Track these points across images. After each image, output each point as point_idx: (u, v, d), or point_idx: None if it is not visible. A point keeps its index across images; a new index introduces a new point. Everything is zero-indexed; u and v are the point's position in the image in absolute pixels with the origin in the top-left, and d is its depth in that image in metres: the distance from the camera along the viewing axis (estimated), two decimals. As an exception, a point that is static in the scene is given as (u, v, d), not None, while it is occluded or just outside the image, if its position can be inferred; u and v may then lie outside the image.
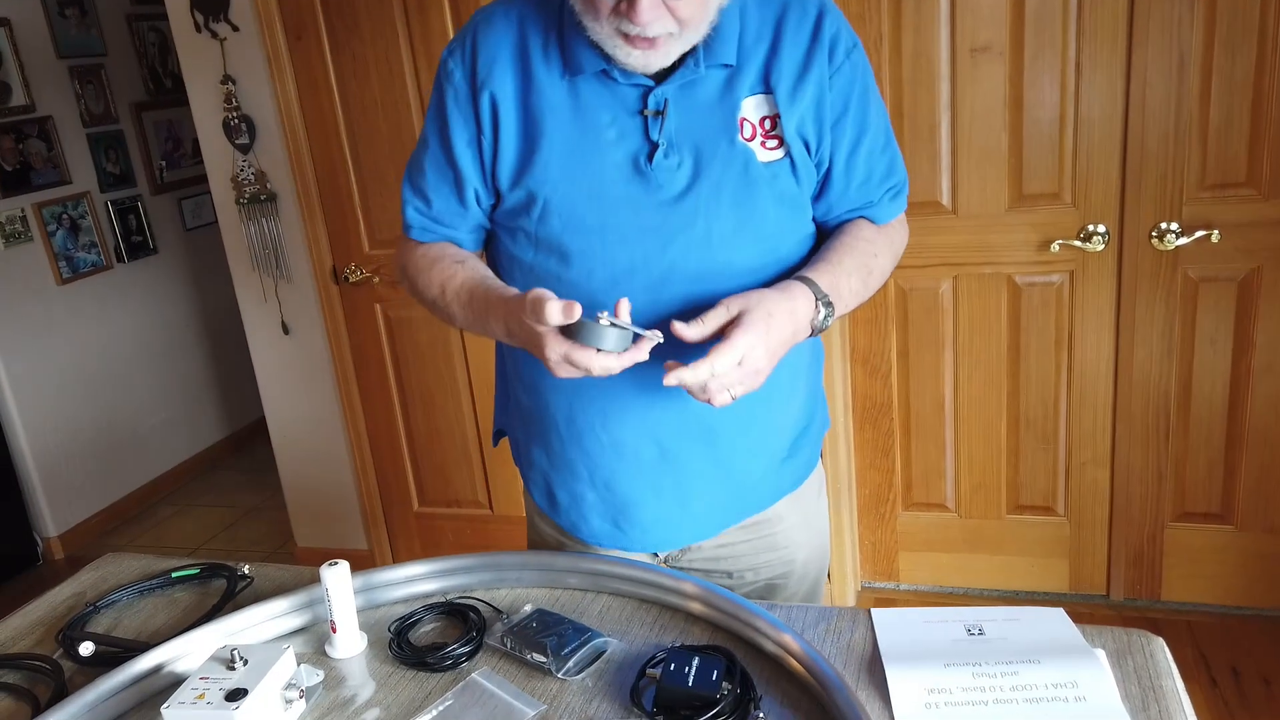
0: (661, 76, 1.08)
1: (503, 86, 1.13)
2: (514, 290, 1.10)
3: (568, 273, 1.12)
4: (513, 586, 1.15)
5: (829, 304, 1.06)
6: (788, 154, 1.10)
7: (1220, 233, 2.07)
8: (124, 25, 3.69)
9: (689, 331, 1.00)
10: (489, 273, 1.20)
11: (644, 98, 1.08)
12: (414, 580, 1.15)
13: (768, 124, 1.09)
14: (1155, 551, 2.34)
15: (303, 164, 2.60)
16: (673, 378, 0.98)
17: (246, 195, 2.67)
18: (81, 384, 3.52)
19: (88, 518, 3.51)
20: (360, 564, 2.80)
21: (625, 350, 0.97)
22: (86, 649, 1.06)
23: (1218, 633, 2.28)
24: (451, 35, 2.38)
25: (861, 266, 1.13)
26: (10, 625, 1.17)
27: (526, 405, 1.27)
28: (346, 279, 2.68)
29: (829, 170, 1.14)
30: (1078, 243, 2.16)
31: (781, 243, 1.13)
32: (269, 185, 2.66)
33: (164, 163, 3.87)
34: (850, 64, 1.10)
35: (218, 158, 2.68)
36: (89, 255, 3.53)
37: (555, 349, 0.99)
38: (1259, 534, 2.26)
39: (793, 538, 1.29)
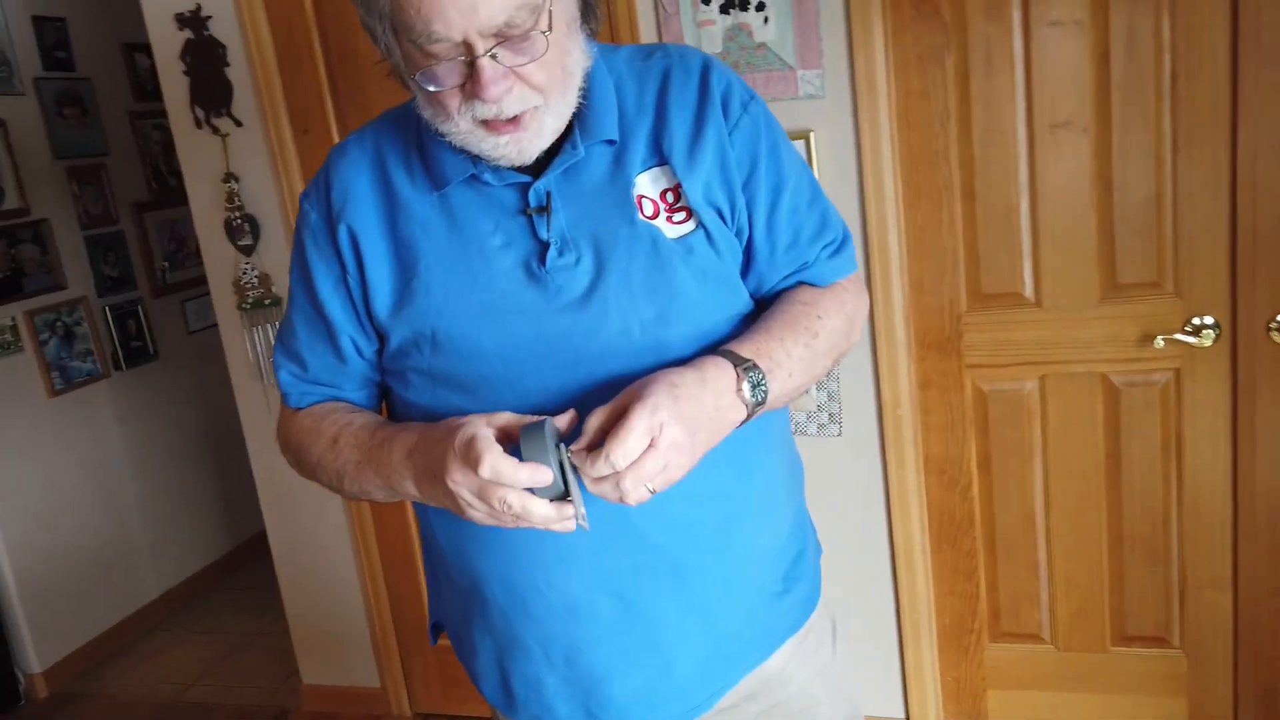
0: (539, 170, 0.96)
1: (362, 216, 0.98)
2: (419, 425, 0.95)
3: (470, 407, 0.93)
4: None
5: (752, 369, 0.91)
6: (699, 224, 0.97)
7: (1352, 323, 1.82)
8: (127, 123, 3.55)
9: (580, 445, 0.84)
10: (379, 418, 1.03)
11: (524, 195, 0.96)
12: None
13: (670, 196, 0.97)
14: (1288, 687, 2.02)
15: (310, 265, 2.38)
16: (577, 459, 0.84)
17: (249, 300, 2.45)
18: (71, 503, 3.26)
19: (75, 650, 3.20)
20: (373, 705, 2.49)
21: (553, 500, 0.84)
22: None
23: (1372, 785, 1.95)
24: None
25: (798, 328, 0.99)
26: None
27: (456, 580, 1.06)
28: (357, 389, 2.44)
29: (750, 237, 1.01)
30: (1184, 337, 1.90)
31: (713, 324, 0.99)
32: (273, 289, 2.45)
33: (166, 263, 3.68)
34: (749, 117, 1.00)
35: (219, 260, 2.47)
36: (84, 364, 3.31)
37: (464, 479, 0.84)
38: None
39: (811, 696, 1.07)
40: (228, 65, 2.30)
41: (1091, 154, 1.90)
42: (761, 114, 1.01)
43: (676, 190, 0.97)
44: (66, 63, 3.32)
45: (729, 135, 0.98)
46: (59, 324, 3.24)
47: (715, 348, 0.95)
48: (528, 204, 0.96)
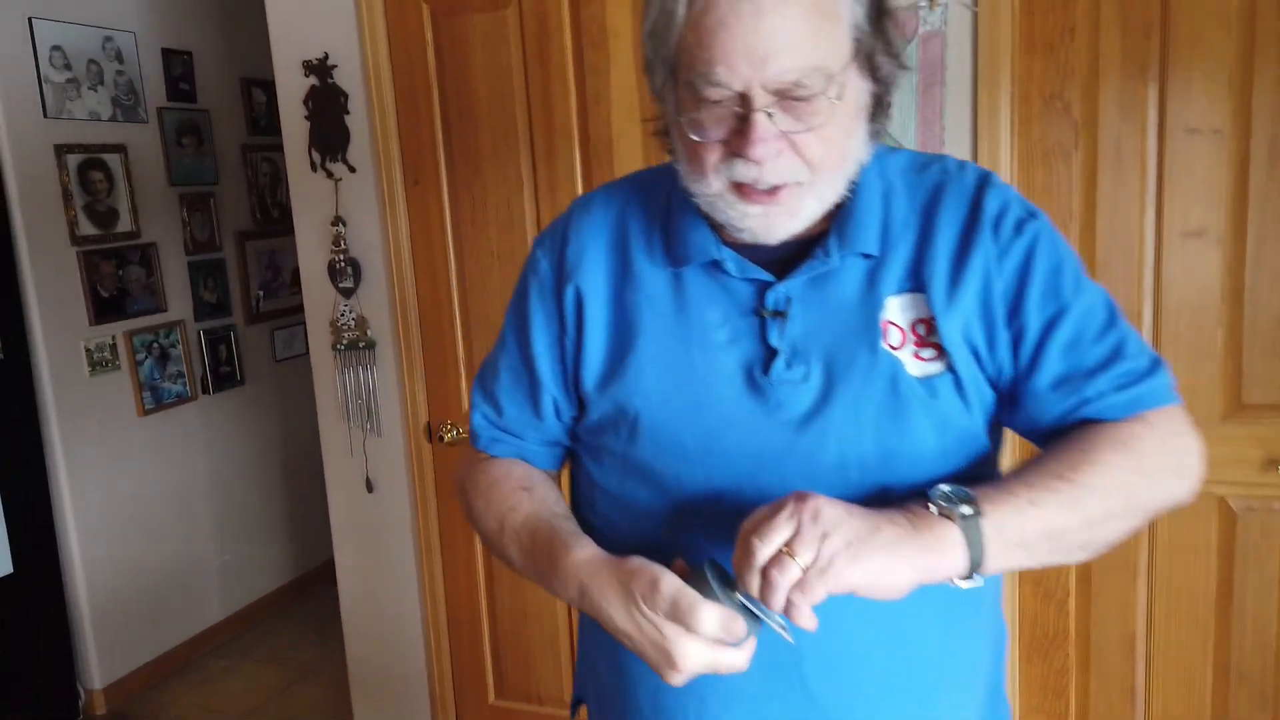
0: (784, 271, 0.89)
1: (592, 279, 0.93)
2: (590, 546, 0.84)
3: (657, 506, 0.88)
4: None
5: (973, 517, 0.75)
6: (949, 366, 0.86)
7: None
8: (238, 155, 3.66)
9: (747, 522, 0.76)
10: (562, 507, 0.95)
11: (761, 295, 0.89)
12: None
13: (921, 329, 0.87)
14: None
15: (407, 312, 2.41)
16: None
17: (345, 341, 2.48)
18: (149, 521, 3.31)
19: (136, 669, 3.23)
20: (425, 760, 2.42)
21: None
22: None
23: None
24: (580, 188, 2.19)
25: (1053, 478, 0.80)
26: None
27: (603, 673, 1.01)
28: (441, 438, 2.44)
29: (1017, 375, 0.88)
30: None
31: (944, 478, 0.85)
32: (369, 332, 2.47)
33: (261, 292, 3.76)
34: (1023, 239, 0.87)
35: (319, 300, 2.51)
36: (174, 385, 3.39)
37: (693, 654, 0.76)
38: None
39: None
40: (348, 113, 2.36)
41: (1223, 265, 1.82)
42: (1040, 235, 0.88)
43: (930, 324, 0.86)
44: (189, 94, 3.45)
45: (998, 261, 0.87)
46: (155, 345, 3.32)
47: (936, 482, 0.83)
48: (764, 304, 0.89)
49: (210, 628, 3.53)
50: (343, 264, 2.44)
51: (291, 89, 2.40)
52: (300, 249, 2.51)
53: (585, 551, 0.85)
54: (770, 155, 0.79)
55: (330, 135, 2.38)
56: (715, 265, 0.90)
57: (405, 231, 2.36)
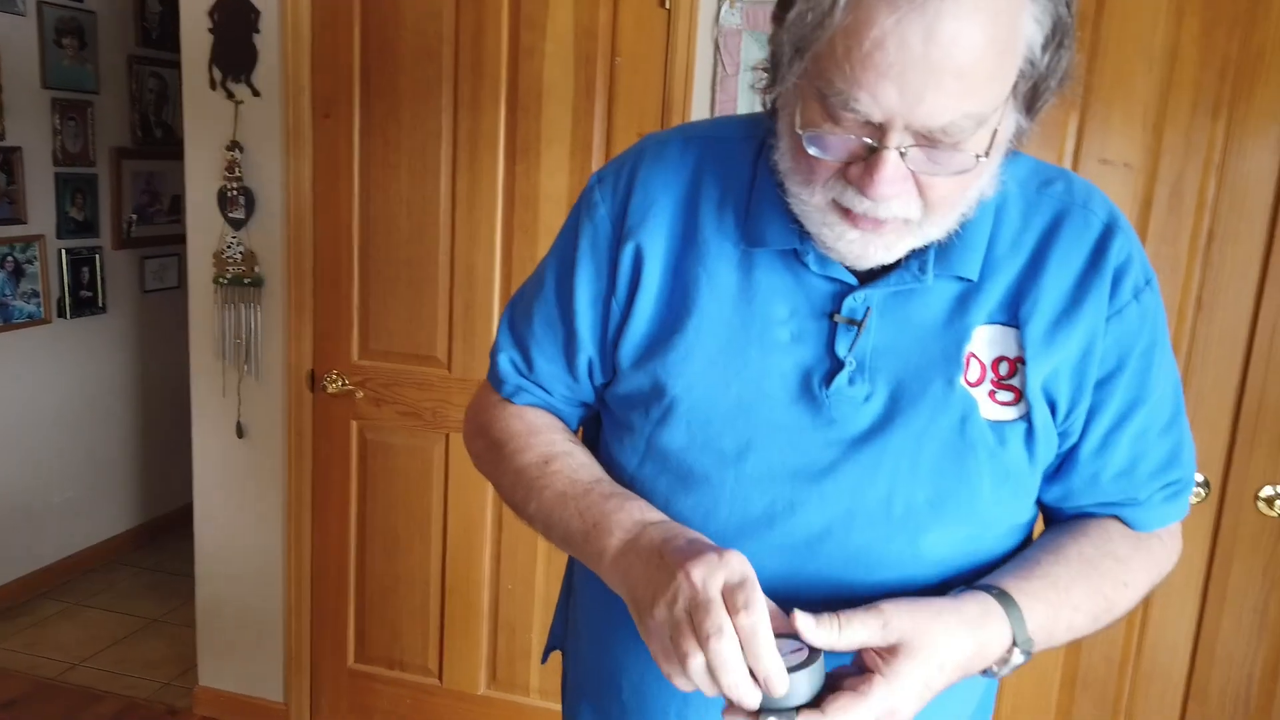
0: (869, 275, 0.79)
1: (653, 239, 0.83)
2: (680, 528, 0.76)
3: (682, 502, 0.81)
4: None
5: (1028, 651, 0.75)
6: (1025, 415, 0.79)
7: (1339, 509, 1.84)
8: (124, 66, 3.39)
9: (816, 632, 0.69)
10: (598, 475, 0.87)
11: (839, 297, 0.80)
12: None
13: (1004, 368, 0.79)
14: None
15: (301, 251, 2.28)
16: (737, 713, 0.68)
17: (229, 275, 2.32)
18: (-17, 448, 3.05)
19: (-47, 605, 2.98)
20: (274, 721, 2.32)
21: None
22: None
23: None
24: (502, 143, 2.12)
25: (1099, 597, 0.80)
26: None
27: (585, 647, 0.95)
28: (324, 387, 2.32)
29: (1077, 446, 0.82)
30: (1175, 491, 1.90)
31: (990, 531, 0.82)
32: (256, 269, 2.33)
33: (135, 216, 3.51)
34: (1139, 307, 0.80)
35: (204, 229, 2.35)
36: (27, 305, 3.12)
37: (699, 597, 0.67)
38: None
39: None
40: (258, 32, 2.20)
41: (1115, 294, 1.90)
42: (1153, 305, 0.81)
43: (1014, 364, 0.78)
44: (75, -9, 3.18)
45: (1106, 322, 0.79)
46: (10, 259, 3.05)
47: (995, 577, 0.78)
48: (839, 308, 0.79)
49: (44, 568, 3.27)
50: (235, 193, 2.28)
51: (197, -2, 2.23)
52: (189, 172, 2.34)
53: (656, 514, 0.79)
54: (893, 195, 0.70)
55: (235, 53, 2.22)
56: (793, 254, 0.80)
57: (309, 166, 2.23)
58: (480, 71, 2.10)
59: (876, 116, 0.66)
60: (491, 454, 0.94)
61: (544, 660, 1.10)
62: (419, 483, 2.32)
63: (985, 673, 0.76)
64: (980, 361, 0.79)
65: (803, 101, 0.71)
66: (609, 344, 0.88)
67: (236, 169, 2.28)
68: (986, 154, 0.69)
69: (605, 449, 0.92)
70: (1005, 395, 0.79)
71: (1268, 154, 1.78)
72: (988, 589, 0.76)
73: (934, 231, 0.74)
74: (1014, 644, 0.74)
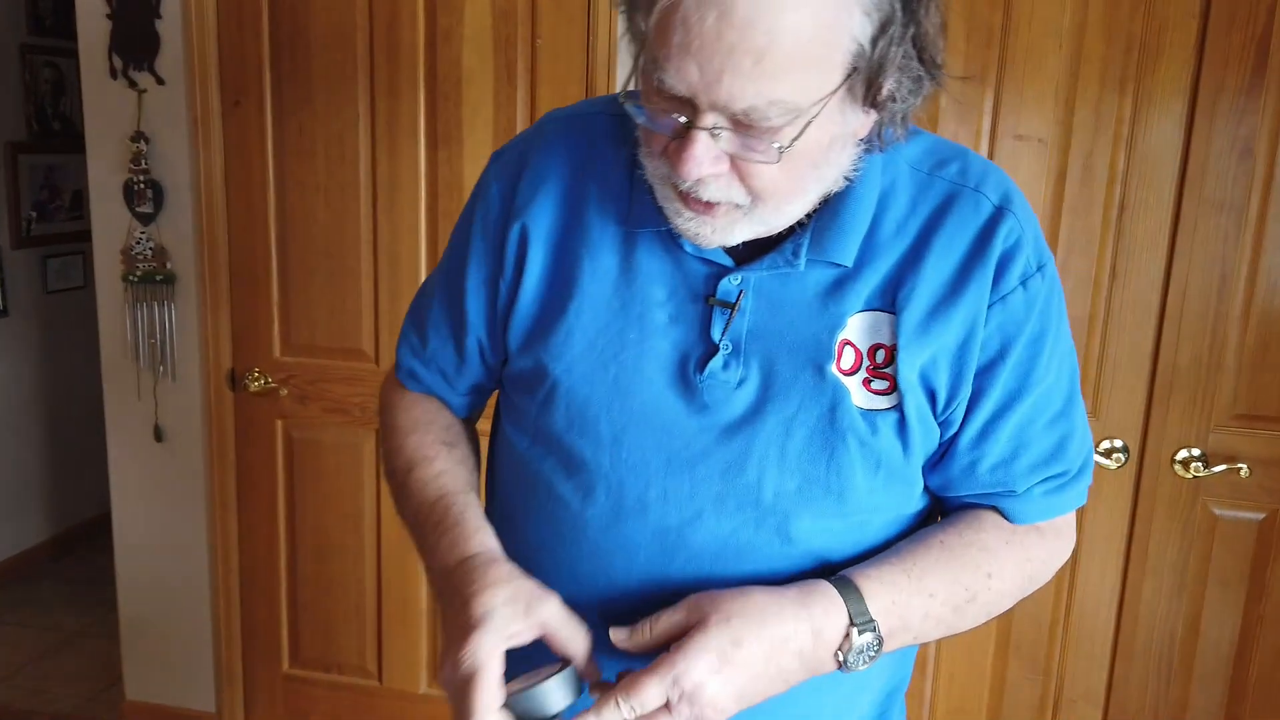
0: (748, 256, 0.79)
1: (539, 219, 0.83)
2: (483, 551, 0.78)
3: (564, 485, 0.82)
4: None
5: (871, 629, 0.73)
6: (898, 405, 0.78)
7: (1249, 468, 1.91)
8: (15, 55, 3.22)
9: (620, 636, 0.73)
10: (472, 481, 0.88)
11: (715, 279, 0.79)
12: None
13: (879, 355, 0.77)
14: (1140, 805, 2.09)
15: (215, 245, 2.20)
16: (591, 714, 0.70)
17: (138, 273, 2.23)
18: (-121, 463, 2.88)
19: None
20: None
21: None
22: None
23: None
24: (422, 130, 2.07)
25: (957, 586, 0.79)
26: None
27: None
28: (245, 386, 2.25)
29: (956, 436, 0.81)
30: (1094, 457, 1.96)
31: (869, 523, 0.81)
32: (168, 265, 2.23)
33: (34, 213, 3.34)
34: (1025, 294, 0.77)
35: (110, 224, 2.24)
36: (-80, 309, 2.95)
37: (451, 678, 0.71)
38: (1253, 797, 2.04)
39: None
40: (159, 17, 2.11)
41: (1034, 267, 1.95)
42: (1043, 292, 0.78)
43: (890, 352, 0.77)
44: (-43, -23, 3.00)
45: (988, 308, 0.77)
46: (-101, 261, 2.88)
47: (841, 570, 0.77)
48: (714, 291, 0.79)
49: (-49, 586, 3.12)
50: (142, 186, 2.19)
51: (93, -19, 2.12)
52: (91, 165, 2.23)
53: (468, 548, 0.78)
54: (705, 175, 0.69)
55: (136, 40, 2.12)
56: (672, 236, 0.79)
57: (219, 156, 2.15)
58: (396, 57, 2.04)
59: (681, 91, 0.66)
60: (383, 446, 0.95)
61: None
62: (349, 480, 2.26)
63: (841, 665, 0.74)
64: (855, 348, 0.78)
65: (639, 74, 0.71)
66: (498, 326, 0.87)
67: (143, 160, 2.18)
68: (789, 145, 0.67)
69: (502, 427, 0.92)
70: (880, 384, 0.78)
71: (1172, 126, 1.83)
72: (827, 576, 0.76)
73: (775, 218, 0.74)
74: (851, 623, 0.73)
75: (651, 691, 0.68)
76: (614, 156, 0.82)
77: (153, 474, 2.36)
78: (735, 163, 0.69)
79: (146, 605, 2.44)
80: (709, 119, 0.67)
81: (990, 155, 1.92)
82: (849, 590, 0.74)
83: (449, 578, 0.76)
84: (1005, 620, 2.07)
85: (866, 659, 0.74)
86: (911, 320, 0.76)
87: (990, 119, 1.91)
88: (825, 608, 0.73)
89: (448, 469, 0.88)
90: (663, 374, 0.79)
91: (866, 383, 0.77)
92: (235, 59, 2.10)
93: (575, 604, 0.76)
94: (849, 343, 0.77)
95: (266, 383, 2.24)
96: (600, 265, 0.81)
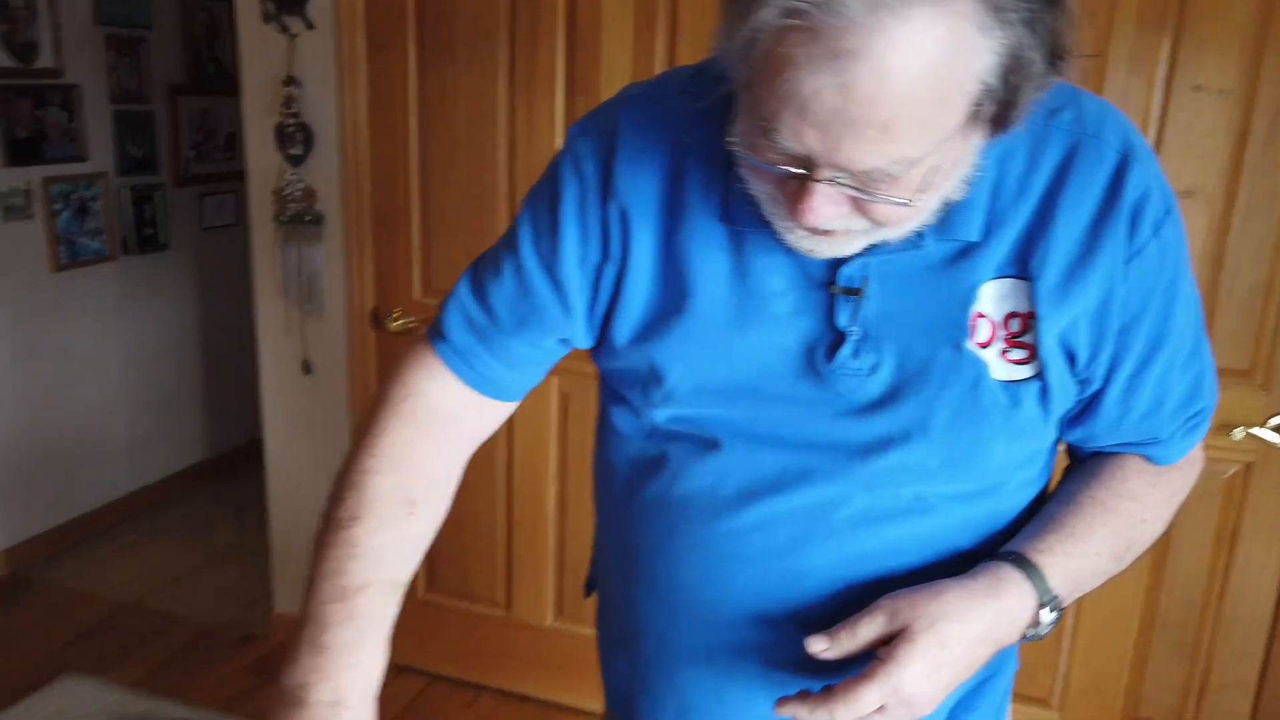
0: None
1: (643, 206, 0.79)
2: (343, 699, 0.79)
3: (692, 469, 0.83)
4: None
5: (1057, 606, 0.75)
6: (1039, 374, 0.75)
7: None
8: (175, 1, 3.36)
9: (820, 646, 0.73)
10: (407, 572, 0.88)
11: (834, 266, 0.76)
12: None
13: (1015, 324, 0.75)
14: (1287, 798, 1.99)
15: (361, 188, 2.26)
16: (787, 709, 0.72)
17: (289, 213, 2.32)
18: (57, 382, 3.12)
19: (39, 533, 3.09)
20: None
21: None
22: None
23: None
24: (561, 87, 2.05)
25: (1118, 539, 0.80)
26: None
27: (613, 597, 0.94)
28: (387, 325, 2.32)
29: (1101, 391, 0.78)
30: (1264, 433, 1.83)
31: (1002, 489, 0.81)
32: (316, 206, 2.31)
33: (193, 153, 3.51)
34: (1159, 243, 0.73)
35: (263, 166, 2.33)
36: (93, 242, 3.16)
37: None
38: None
39: None
40: (311, -38, 2.15)
41: (1207, 228, 1.81)
42: (1174, 237, 0.75)
43: (1026, 320, 0.74)
44: (124, -77, 3.13)
45: (1125, 264, 0.73)
46: (75, 196, 3.08)
47: (1018, 556, 0.76)
48: (834, 278, 0.76)
49: (119, 499, 3.38)
50: (293, 129, 2.26)
51: (249, -72, 2.18)
52: (246, 108, 2.31)
53: (343, 685, 0.80)
54: (828, 219, 0.66)
55: (289, -14, 2.18)
56: None
57: (365, 100, 2.20)
58: (537, 5, 2.02)
59: (798, 150, 0.63)
60: (356, 432, 0.89)
61: (586, 595, 1.09)
62: (482, 421, 2.32)
63: (1025, 637, 0.76)
64: (990, 320, 0.75)
65: (743, 110, 0.67)
66: (599, 313, 0.83)
67: (294, 104, 2.25)
68: (918, 193, 0.65)
69: (607, 415, 0.90)
70: (1018, 354, 0.75)
71: (1381, 75, 1.65)
72: (1003, 556, 0.77)
73: (897, 234, 0.71)
74: (1040, 604, 0.75)
75: (869, 698, 0.70)
76: (710, 147, 0.76)
77: (301, 404, 2.48)
78: (856, 204, 0.66)
79: (295, 525, 2.59)
80: (827, 174, 0.64)
81: (1165, 107, 1.78)
82: (1032, 571, 0.75)
83: (300, 668, 0.79)
84: (1152, 597, 1.98)
85: (1048, 629, 0.76)
86: (1049, 286, 0.73)
87: (1166, 67, 1.76)
88: (1016, 595, 0.74)
89: (388, 546, 0.85)
90: (790, 366, 0.78)
91: (1004, 353, 0.75)
92: (381, 5, 2.13)
93: (711, 587, 0.80)
94: (981, 315, 0.75)
95: (407, 322, 2.30)
96: (711, 261, 0.78)
